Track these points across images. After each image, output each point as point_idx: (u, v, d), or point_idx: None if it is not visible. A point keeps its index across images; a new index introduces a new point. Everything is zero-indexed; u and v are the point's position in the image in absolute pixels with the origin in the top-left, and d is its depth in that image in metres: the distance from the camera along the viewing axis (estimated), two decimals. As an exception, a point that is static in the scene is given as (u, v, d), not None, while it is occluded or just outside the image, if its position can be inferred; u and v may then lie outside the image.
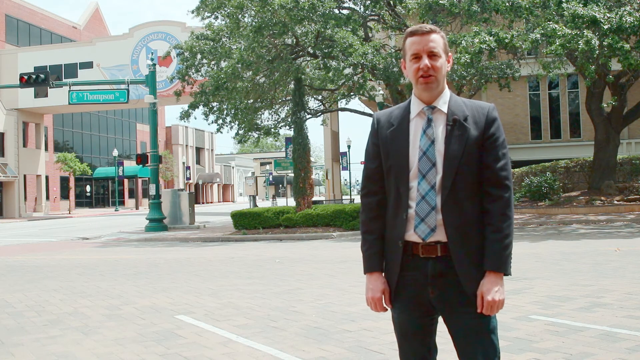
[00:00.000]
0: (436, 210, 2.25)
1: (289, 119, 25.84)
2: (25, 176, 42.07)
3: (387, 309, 2.43)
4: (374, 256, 2.41)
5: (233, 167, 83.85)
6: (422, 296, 2.31)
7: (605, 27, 14.81)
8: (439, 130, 2.30)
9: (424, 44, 2.30)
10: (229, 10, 19.87)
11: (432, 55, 2.29)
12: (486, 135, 2.28)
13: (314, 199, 23.44)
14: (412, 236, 2.30)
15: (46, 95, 36.68)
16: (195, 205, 32.81)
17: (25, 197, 42.15)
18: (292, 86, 20.85)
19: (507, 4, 16.55)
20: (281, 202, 45.08)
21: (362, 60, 17.73)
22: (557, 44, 14.88)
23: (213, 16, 21.45)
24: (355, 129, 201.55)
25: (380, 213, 2.42)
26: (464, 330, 2.29)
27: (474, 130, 2.28)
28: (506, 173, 2.28)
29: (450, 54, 2.39)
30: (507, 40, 16.04)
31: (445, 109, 2.32)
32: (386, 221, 2.41)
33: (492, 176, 2.27)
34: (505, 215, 2.25)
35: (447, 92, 2.36)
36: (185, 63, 21.79)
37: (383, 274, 2.42)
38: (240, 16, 19.56)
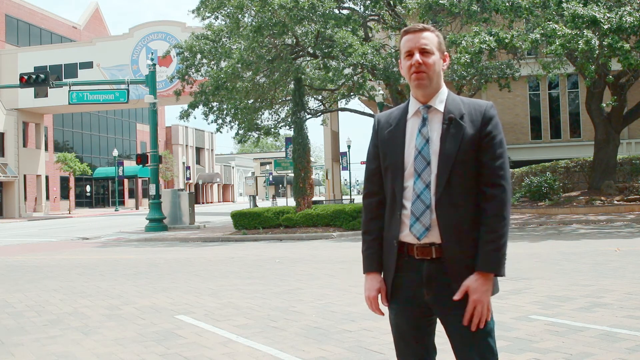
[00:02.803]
0: (431, 209, 2.25)
1: (289, 119, 25.85)
2: (25, 176, 42.08)
3: (383, 313, 2.45)
4: (371, 257, 2.44)
5: (233, 167, 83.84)
6: (418, 297, 2.30)
7: (605, 27, 14.81)
8: (435, 129, 2.29)
9: (416, 41, 2.30)
10: (229, 10, 19.88)
11: (424, 52, 2.29)
12: (483, 134, 2.26)
13: (314, 199, 23.43)
14: (407, 237, 2.29)
15: (46, 95, 36.66)
16: (195, 205, 32.81)
17: (25, 197, 42.15)
18: (292, 86, 20.85)
19: (507, 4, 16.55)
20: (281, 202, 45.07)
21: (362, 60, 17.73)
22: (557, 44, 14.87)
23: (213, 16, 21.46)
24: (355, 129, 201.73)
25: (380, 213, 2.44)
26: (460, 332, 2.27)
27: (470, 128, 2.26)
28: (502, 172, 2.25)
29: (446, 52, 2.38)
30: (507, 40, 16.04)
31: (441, 108, 2.32)
32: (385, 221, 2.42)
33: (487, 175, 2.25)
34: (500, 216, 2.21)
35: (444, 91, 2.36)
36: (185, 63, 21.79)
37: (381, 274, 2.43)
38: (240, 16, 19.56)
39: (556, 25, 15.26)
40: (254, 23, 18.79)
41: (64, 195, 49.87)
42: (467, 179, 2.25)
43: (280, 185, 62.24)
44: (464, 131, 2.26)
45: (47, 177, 46.35)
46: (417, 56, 2.28)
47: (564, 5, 15.47)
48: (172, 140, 66.73)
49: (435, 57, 2.30)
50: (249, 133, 26.49)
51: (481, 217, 2.25)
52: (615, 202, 19.97)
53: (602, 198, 20.41)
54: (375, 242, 2.43)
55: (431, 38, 2.31)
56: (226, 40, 21.00)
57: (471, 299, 2.20)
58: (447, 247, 2.23)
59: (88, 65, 38.35)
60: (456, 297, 2.21)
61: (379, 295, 2.42)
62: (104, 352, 5.10)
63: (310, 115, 25.05)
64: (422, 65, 2.28)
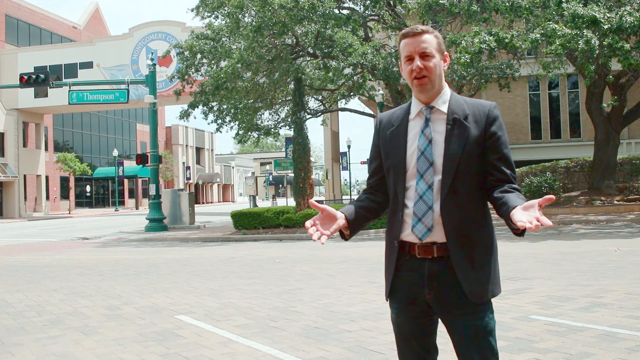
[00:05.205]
0: (433, 210, 2.25)
1: (289, 119, 25.86)
2: (25, 176, 42.07)
3: (314, 239, 2.33)
4: (348, 205, 2.47)
5: (233, 167, 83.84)
6: (419, 297, 2.30)
7: (605, 27, 14.81)
8: (438, 130, 2.29)
9: (416, 45, 2.29)
10: (229, 10, 19.88)
11: (424, 55, 2.28)
12: (488, 134, 2.27)
13: (314, 199, 23.44)
14: (408, 236, 2.30)
15: (46, 95, 36.66)
16: (195, 205, 32.80)
17: (25, 197, 42.15)
18: (292, 86, 20.86)
19: (507, 4, 16.55)
20: (281, 202, 45.07)
21: (362, 60, 17.74)
22: (557, 44, 14.87)
23: (213, 16, 21.46)
24: (355, 129, 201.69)
25: (367, 198, 2.49)
26: (461, 332, 2.28)
27: (474, 129, 2.26)
28: (511, 171, 2.28)
29: (446, 53, 2.37)
30: (507, 40, 16.03)
31: (444, 109, 2.31)
32: (386, 221, 2.44)
33: (501, 174, 2.25)
34: (523, 199, 2.18)
35: (447, 92, 2.35)
36: (185, 63, 21.79)
37: (344, 217, 2.37)
38: (240, 16, 19.57)
39: (556, 25, 15.26)
40: (254, 23, 18.79)
41: (64, 195, 49.87)
42: (471, 179, 2.26)
43: (280, 185, 62.20)
44: (469, 132, 2.26)
45: (47, 177, 46.33)
46: (417, 62, 2.27)
47: (564, 5, 15.47)
48: (172, 140, 66.73)
49: (435, 60, 2.29)
50: (249, 133, 26.49)
51: (505, 197, 2.18)
52: (615, 202, 19.98)
53: (602, 198, 20.42)
54: (354, 202, 2.49)
55: (430, 40, 2.29)
56: (226, 40, 21.00)
57: (529, 216, 1.99)
58: (452, 247, 2.24)
59: (88, 65, 38.35)
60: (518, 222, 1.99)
61: (319, 224, 2.34)
62: (104, 352, 5.10)
63: (310, 115, 25.06)
64: (424, 69, 2.27)
